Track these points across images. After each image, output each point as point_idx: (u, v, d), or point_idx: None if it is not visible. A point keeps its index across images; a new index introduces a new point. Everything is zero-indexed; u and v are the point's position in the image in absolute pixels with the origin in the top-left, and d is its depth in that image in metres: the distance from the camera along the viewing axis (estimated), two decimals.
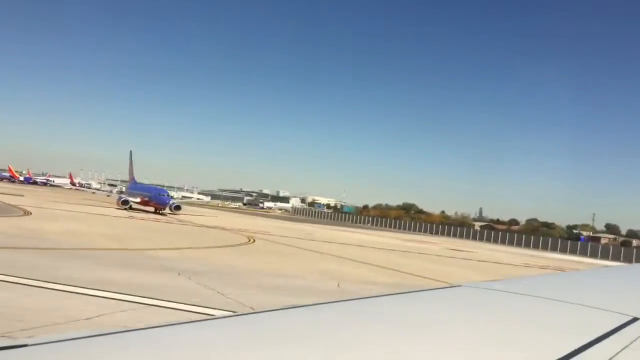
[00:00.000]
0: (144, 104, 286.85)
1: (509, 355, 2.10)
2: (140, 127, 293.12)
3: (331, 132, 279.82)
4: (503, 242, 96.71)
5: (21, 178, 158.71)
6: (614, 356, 2.09)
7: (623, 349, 2.20)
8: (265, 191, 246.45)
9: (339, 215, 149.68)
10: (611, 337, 2.38)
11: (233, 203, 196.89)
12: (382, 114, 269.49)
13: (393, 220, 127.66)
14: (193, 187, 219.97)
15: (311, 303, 2.62)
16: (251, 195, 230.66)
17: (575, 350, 2.08)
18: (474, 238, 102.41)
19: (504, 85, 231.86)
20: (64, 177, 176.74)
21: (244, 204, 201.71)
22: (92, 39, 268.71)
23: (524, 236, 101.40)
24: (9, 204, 51.76)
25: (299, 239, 45.51)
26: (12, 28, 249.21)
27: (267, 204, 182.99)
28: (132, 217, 54.50)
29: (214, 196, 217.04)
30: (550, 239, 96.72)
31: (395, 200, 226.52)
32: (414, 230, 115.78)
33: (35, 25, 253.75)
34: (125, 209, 64.96)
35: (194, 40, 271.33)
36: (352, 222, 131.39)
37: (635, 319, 2.77)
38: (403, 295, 3.23)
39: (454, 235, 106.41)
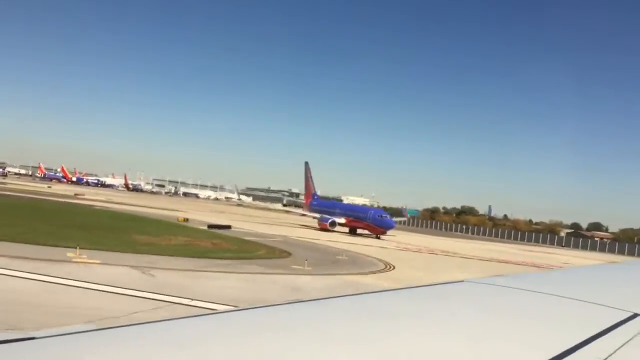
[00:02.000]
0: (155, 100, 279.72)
1: (510, 350, 2.11)
2: (155, 125, 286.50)
3: (332, 131, 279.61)
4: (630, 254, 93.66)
5: (73, 178, 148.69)
6: (614, 352, 2.09)
7: (623, 344, 2.20)
8: (295, 190, 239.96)
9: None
10: (611, 333, 2.37)
11: (259, 203, 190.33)
12: (394, 113, 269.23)
13: (475, 228, 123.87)
14: (233, 187, 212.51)
15: (313, 298, 2.58)
16: (293, 195, 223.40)
17: (576, 345, 2.09)
18: (588, 248, 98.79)
19: (516, 85, 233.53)
20: (93, 175, 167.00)
21: (284, 205, 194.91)
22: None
23: None
24: (279, 235, 45.34)
25: None
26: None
27: None
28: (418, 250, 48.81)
29: (247, 196, 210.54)
30: None
31: (417, 200, 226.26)
32: (502, 237, 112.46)
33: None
34: (330, 230, 58.85)
35: (211, 37, 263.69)
36: (421, 227, 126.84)
37: (635, 315, 2.76)
38: (405, 290, 3.19)
39: (549, 243, 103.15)
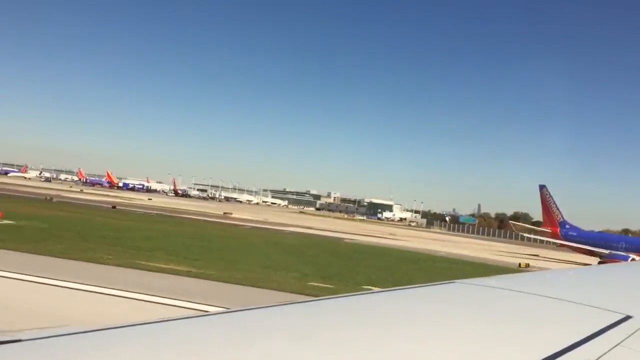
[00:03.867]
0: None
1: (500, 351, 2.10)
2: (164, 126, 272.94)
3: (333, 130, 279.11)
4: None
5: (120, 184, 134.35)
6: (605, 353, 2.08)
7: (614, 346, 2.18)
8: (313, 191, 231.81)
9: (457, 226, 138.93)
10: (603, 335, 2.35)
11: (293, 207, 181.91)
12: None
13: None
14: (267, 191, 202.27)
15: (304, 300, 2.59)
16: (315, 198, 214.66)
17: (567, 347, 2.07)
18: None
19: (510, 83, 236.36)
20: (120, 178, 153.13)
21: (317, 209, 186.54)
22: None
23: None
24: None
25: None
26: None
27: (385, 214, 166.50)
28: None
29: (282, 199, 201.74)
30: None
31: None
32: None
33: None
34: None
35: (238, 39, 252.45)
36: (493, 236, 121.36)
37: (627, 317, 2.74)
38: (396, 291, 3.19)
39: None
